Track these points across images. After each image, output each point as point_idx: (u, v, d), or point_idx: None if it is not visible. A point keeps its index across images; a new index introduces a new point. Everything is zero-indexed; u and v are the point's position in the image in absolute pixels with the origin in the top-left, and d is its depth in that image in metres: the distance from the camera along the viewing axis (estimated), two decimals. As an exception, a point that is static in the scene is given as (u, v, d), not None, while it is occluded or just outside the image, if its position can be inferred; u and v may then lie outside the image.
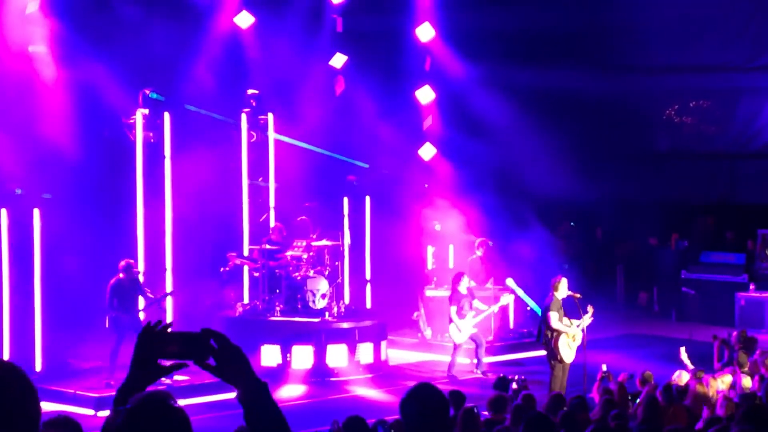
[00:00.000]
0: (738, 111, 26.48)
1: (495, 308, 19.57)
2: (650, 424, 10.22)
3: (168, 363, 3.37)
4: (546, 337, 15.98)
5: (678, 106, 27.47)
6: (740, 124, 26.50)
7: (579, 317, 16.01)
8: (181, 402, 3.08)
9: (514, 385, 14.02)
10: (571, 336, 15.86)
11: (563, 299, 16.05)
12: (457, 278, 19.28)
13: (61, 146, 17.65)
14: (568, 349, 15.85)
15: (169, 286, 18.42)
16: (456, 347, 18.96)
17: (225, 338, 3.30)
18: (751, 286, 23.32)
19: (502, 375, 14.88)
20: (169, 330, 3.36)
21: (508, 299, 19.94)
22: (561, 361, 15.84)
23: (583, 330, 15.95)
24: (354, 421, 9.12)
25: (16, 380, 2.86)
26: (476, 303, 19.21)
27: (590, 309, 16.10)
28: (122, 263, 16.63)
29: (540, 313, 16.68)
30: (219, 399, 15.36)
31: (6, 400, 2.78)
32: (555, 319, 15.82)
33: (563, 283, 16.03)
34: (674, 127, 27.58)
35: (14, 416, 2.79)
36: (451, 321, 18.95)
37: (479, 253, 21.42)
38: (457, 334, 18.86)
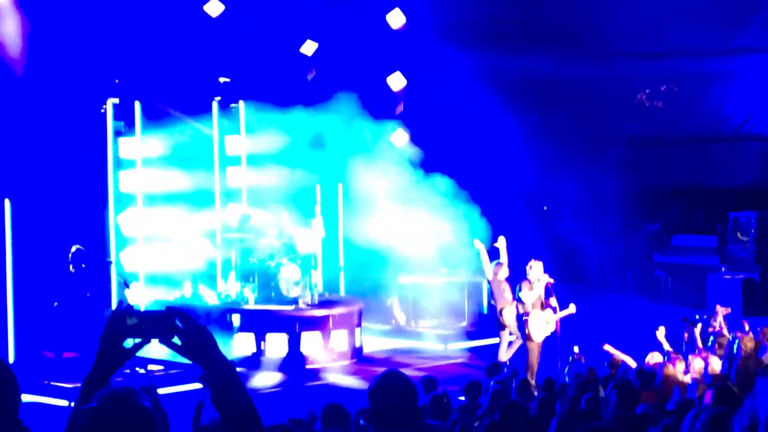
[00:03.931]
0: (709, 95, 26.57)
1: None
2: (625, 407, 10.27)
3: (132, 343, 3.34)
4: (520, 317, 16.09)
5: (649, 91, 27.54)
6: (711, 108, 26.60)
7: (551, 304, 16.06)
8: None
9: (505, 370, 14.05)
10: (541, 318, 15.94)
11: (537, 281, 16.12)
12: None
13: (30, 138, 17.53)
14: (537, 328, 15.88)
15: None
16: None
17: (190, 317, 3.27)
18: (723, 269, 23.47)
19: (495, 361, 14.82)
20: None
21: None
22: (530, 339, 15.92)
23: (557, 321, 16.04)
24: (332, 409, 9.10)
25: None
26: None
27: (572, 307, 16.13)
28: None
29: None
30: (193, 388, 15.30)
31: None
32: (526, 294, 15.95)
33: (537, 267, 16.12)
34: (645, 112, 27.65)
35: None
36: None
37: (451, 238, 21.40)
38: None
